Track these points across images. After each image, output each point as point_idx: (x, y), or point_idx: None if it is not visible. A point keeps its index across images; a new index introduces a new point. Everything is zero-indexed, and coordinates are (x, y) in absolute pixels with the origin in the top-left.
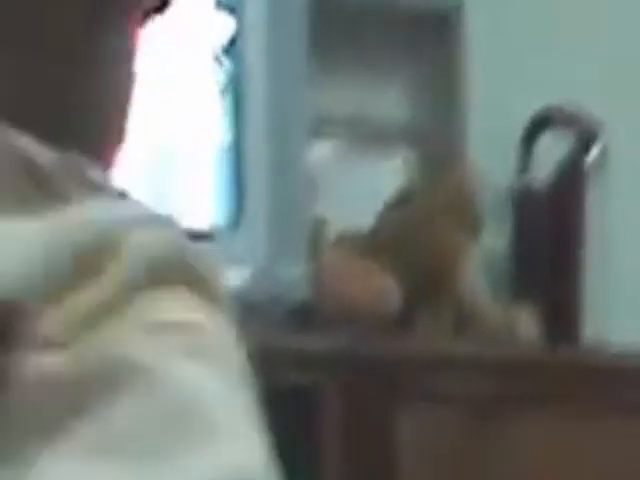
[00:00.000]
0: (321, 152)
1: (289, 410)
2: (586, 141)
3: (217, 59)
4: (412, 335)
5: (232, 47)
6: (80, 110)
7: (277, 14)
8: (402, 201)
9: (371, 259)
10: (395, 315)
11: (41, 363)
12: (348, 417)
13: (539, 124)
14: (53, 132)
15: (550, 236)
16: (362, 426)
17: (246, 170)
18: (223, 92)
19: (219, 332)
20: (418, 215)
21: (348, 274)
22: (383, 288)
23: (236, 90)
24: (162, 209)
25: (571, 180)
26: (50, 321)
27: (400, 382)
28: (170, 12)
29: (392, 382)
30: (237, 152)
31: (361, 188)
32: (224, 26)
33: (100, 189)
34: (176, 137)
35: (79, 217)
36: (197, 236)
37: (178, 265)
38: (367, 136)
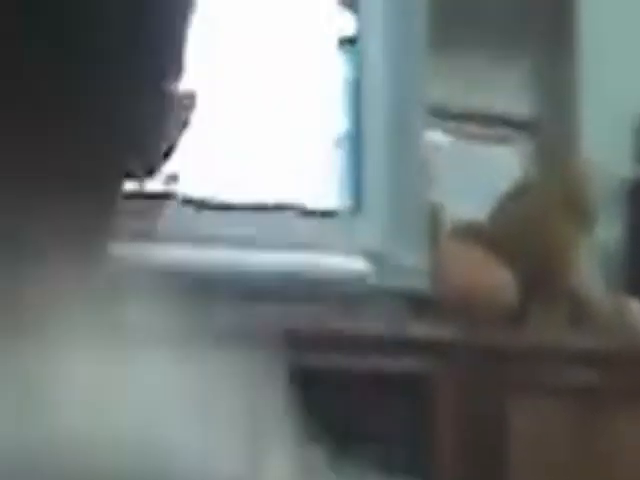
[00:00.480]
0: (438, 141)
1: (403, 397)
2: None
3: (338, 51)
4: (526, 327)
5: (353, 39)
6: None
7: (396, 5)
8: (518, 193)
9: (488, 250)
10: (510, 307)
11: None
12: (461, 406)
13: None
14: None
15: None
16: (474, 415)
17: (365, 157)
18: (344, 82)
19: None
20: (534, 208)
21: (466, 265)
22: (500, 280)
23: (356, 80)
24: (284, 190)
25: None
26: None
27: (513, 373)
28: (294, 7)
29: (505, 373)
30: (356, 140)
31: (476, 178)
32: (345, 19)
33: None
34: (300, 124)
35: None
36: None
37: None
38: (483, 126)
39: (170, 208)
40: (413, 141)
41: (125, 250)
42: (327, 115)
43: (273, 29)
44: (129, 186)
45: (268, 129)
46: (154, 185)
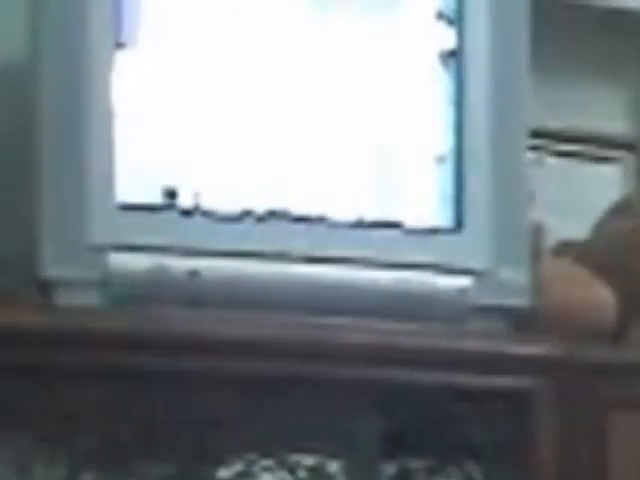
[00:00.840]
0: (540, 160)
1: (503, 413)
2: None
3: (440, 68)
4: (626, 344)
5: (454, 56)
6: None
7: (498, 23)
8: (620, 211)
9: (589, 268)
10: (610, 324)
11: None
12: (562, 421)
13: None
14: None
15: None
16: (573, 431)
17: (467, 175)
18: (446, 99)
19: None
20: (635, 226)
21: (567, 282)
22: (600, 297)
23: (458, 97)
24: (385, 205)
25: None
26: None
27: (612, 390)
28: (394, 22)
29: (604, 390)
30: (458, 158)
31: (578, 196)
32: (446, 36)
33: None
34: (402, 141)
35: None
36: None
37: None
38: (586, 145)
39: (280, 225)
40: (515, 159)
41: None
42: (430, 132)
43: (374, 44)
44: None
45: (372, 146)
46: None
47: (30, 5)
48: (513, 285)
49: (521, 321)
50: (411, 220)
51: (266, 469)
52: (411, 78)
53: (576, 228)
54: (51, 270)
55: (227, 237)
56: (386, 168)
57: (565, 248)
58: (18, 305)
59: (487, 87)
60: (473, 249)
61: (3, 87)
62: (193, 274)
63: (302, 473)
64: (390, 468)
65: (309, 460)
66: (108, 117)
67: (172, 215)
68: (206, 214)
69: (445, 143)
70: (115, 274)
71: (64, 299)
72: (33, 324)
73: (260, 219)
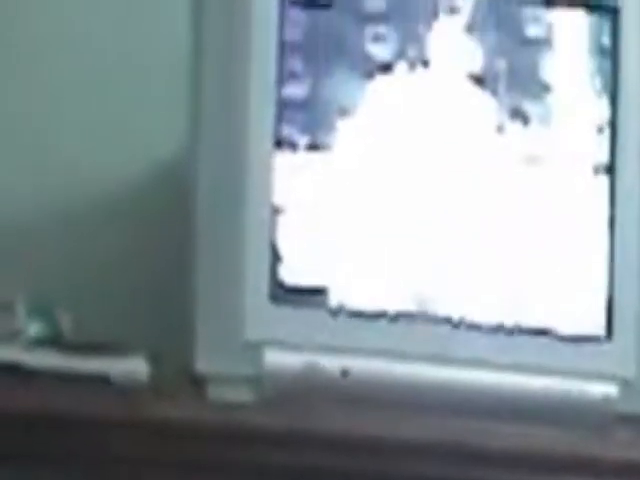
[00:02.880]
0: None
1: None
2: None
3: (595, 178)
4: None
5: (609, 168)
6: None
7: None
8: None
9: None
10: None
11: None
12: None
13: None
14: None
15: None
16: None
17: (615, 281)
18: (600, 205)
19: None
20: None
21: None
22: None
23: (611, 203)
24: (536, 311)
25: None
26: None
27: None
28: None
29: None
30: (610, 264)
31: None
32: (600, 146)
33: None
34: (553, 241)
35: None
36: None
37: None
38: None
39: (424, 326)
40: None
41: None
42: (583, 240)
43: (529, 158)
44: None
45: (524, 248)
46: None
47: (191, 104)
48: None
49: None
50: (560, 327)
51: None
52: (567, 187)
53: None
54: (205, 365)
55: (375, 336)
56: (540, 276)
57: None
58: (172, 399)
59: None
60: (621, 357)
61: (163, 183)
62: (345, 373)
63: None
64: None
65: None
66: (267, 214)
67: (322, 313)
68: (354, 313)
69: (595, 254)
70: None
71: (217, 394)
72: (187, 418)
73: (412, 320)
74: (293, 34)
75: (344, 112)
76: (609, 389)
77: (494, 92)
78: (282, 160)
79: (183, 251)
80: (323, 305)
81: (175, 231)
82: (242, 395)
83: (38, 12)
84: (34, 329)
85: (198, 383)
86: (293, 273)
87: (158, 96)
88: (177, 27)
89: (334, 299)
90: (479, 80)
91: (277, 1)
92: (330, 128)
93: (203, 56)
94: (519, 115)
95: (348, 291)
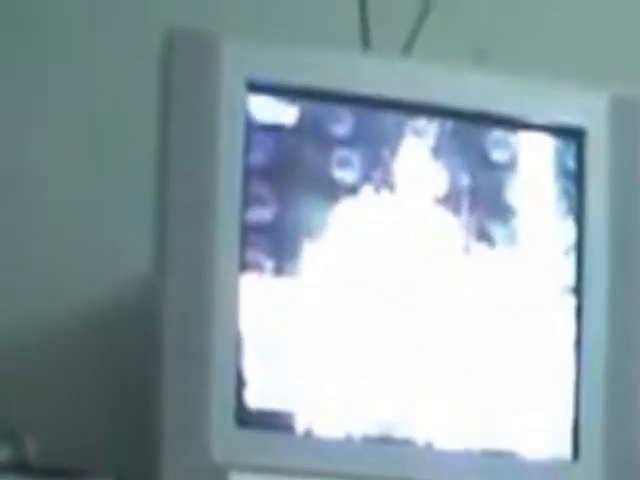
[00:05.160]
0: None
1: None
2: None
3: (559, 300)
4: None
5: (573, 289)
6: None
7: (617, 257)
8: None
9: None
10: None
11: None
12: None
13: None
14: None
15: None
16: None
17: (584, 405)
18: (565, 331)
19: None
20: None
21: None
22: None
23: (577, 330)
24: (501, 433)
25: None
26: None
27: None
28: (516, 255)
29: None
30: (576, 388)
31: None
32: (566, 269)
33: None
34: (517, 366)
35: None
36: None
37: None
38: None
39: (390, 450)
40: (631, 389)
41: None
42: (548, 365)
43: (496, 279)
44: None
45: (486, 372)
46: None
47: (155, 226)
48: None
49: None
50: (524, 450)
51: None
52: (531, 312)
53: None
54: None
55: (344, 461)
56: (503, 398)
57: None
58: None
59: (606, 320)
60: (588, 478)
61: (131, 305)
62: None
63: None
64: None
65: None
66: (233, 338)
67: (288, 437)
68: (323, 438)
69: (564, 375)
70: None
71: None
72: None
73: (377, 444)
74: (259, 158)
75: (310, 236)
76: None
77: (459, 214)
78: (248, 284)
79: (150, 375)
80: (289, 429)
81: (142, 354)
82: None
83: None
84: None
85: None
86: (260, 398)
87: (128, 215)
88: (144, 157)
89: (300, 423)
90: (444, 203)
91: (243, 125)
92: (296, 252)
93: (168, 180)
94: (484, 237)
95: (314, 416)
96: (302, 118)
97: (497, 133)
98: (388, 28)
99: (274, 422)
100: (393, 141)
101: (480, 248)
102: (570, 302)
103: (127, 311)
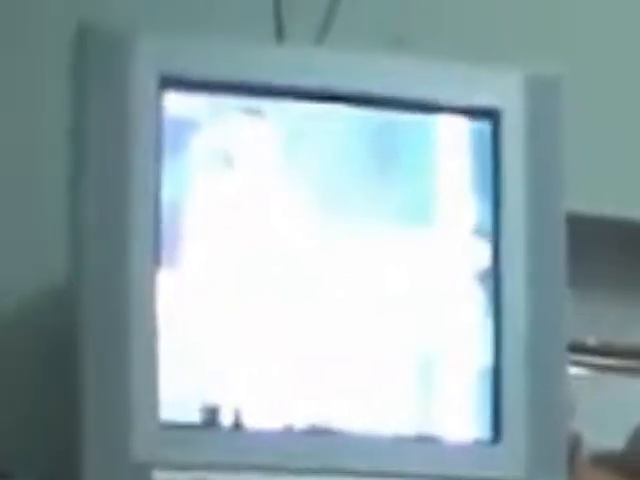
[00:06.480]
0: (577, 373)
1: None
2: None
3: (476, 284)
4: None
5: (490, 272)
6: None
7: (535, 240)
8: None
9: (625, 478)
10: None
11: None
12: None
13: None
14: None
15: None
16: None
17: (504, 388)
18: (483, 315)
19: None
20: None
21: None
22: None
23: (496, 313)
24: (424, 419)
25: None
26: None
27: None
28: (430, 238)
29: None
30: (496, 372)
31: (614, 408)
32: (482, 251)
33: None
34: (440, 356)
35: None
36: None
37: None
38: (620, 359)
39: (322, 441)
40: (554, 375)
41: None
42: (468, 348)
43: (408, 262)
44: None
45: (410, 363)
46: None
47: (69, 231)
48: None
49: None
50: (449, 434)
51: None
52: (448, 295)
53: (613, 439)
54: None
55: (269, 454)
56: (423, 381)
57: (602, 459)
58: None
59: (525, 303)
60: (510, 461)
61: (45, 313)
62: None
63: None
64: None
65: None
66: (151, 336)
67: (214, 433)
68: (247, 431)
69: (483, 359)
70: None
71: None
72: None
73: (302, 435)
74: (173, 155)
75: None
76: None
77: (374, 197)
78: (164, 282)
79: (69, 377)
80: (213, 424)
81: (60, 360)
82: None
83: None
84: None
85: None
86: (180, 394)
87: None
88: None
89: (224, 418)
90: (361, 186)
91: (156, 121)
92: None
93: (82, 182)
94: (398, 220)
95: (240, 409)
96: (216, 112)
97: (412, 117)
98: (302, 18)
99: (196, 418)
100: (306, 130)
101: (394, 231)
102: (487, 285)
103: (45, 314)
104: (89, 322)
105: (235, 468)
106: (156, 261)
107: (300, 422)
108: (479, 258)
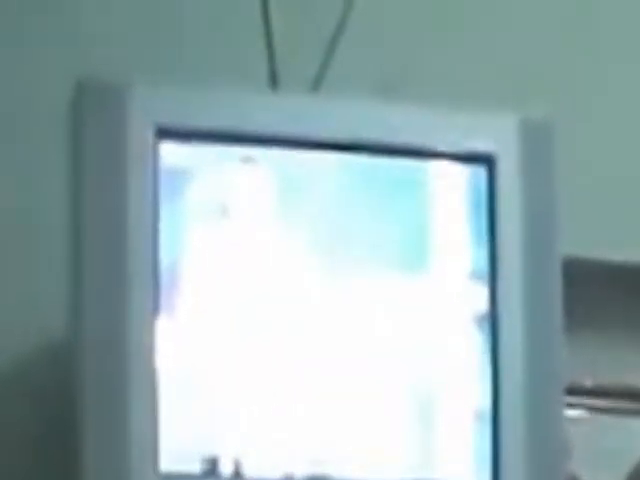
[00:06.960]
0: (573, 415)
1: None
2: None
3: (473, 328)
4: None
5: (487, 316)
6: None
7: (531, 282)
8: None
9: None
10: None
11: None
12: None
13: None
14: None
15: None
16: None
17: (503, 431)
18: (480, 358)
19: None
20: None
21: None
22: None
23: (493, 356)
24: (423, 465)
25: None
26: None
27: None
28: (427, 282)
29: None
30: (494, 415)
31: (611, 449)
32: (479, 295)
33: None
34: (436, 397)
35: None
36: None
37: None
38: (616, 400)
39: None
40: (551, 417)
41: None
42: (466, 392)
43: (405, 306)
44: None
45: (407, 405)
46: None
47: (67, 286)
48: None
49: None
50: (449, 479)
51: None
52: (445, 340)
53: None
54: None
55: None
56: (423, 430)
57: None
58: None
59: (522, 346)
60: None
61: (43, 369)
62: None
63: None
64: None
65: None
66: (150, 387)
67: None
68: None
69: (481, 403)
70: None
71: None
72: None
73: None
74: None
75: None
76: None
77: (368, 243)
78: (163, 329)
79: (69, 433)
80: (213, 474)
81: (60, 415)
82: None
83: None
84: None
85: None
86: (182, 442)
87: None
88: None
89: (224, 466)
90: (358, 234)
91: (152, 172)
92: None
93: (80, 234)
94: (394, 265)
95: (240, 459)
96: (211, 162)
97: (407, 163)
98: (296, 66)
99: (196, 469)
100: (303, 178)
101: (391, 276)
102: (485, 329)
103: (43, 371)
104: (88, 374)
105: None
106: (154, 312)
107: (300, 471)
108: (476, 302)
